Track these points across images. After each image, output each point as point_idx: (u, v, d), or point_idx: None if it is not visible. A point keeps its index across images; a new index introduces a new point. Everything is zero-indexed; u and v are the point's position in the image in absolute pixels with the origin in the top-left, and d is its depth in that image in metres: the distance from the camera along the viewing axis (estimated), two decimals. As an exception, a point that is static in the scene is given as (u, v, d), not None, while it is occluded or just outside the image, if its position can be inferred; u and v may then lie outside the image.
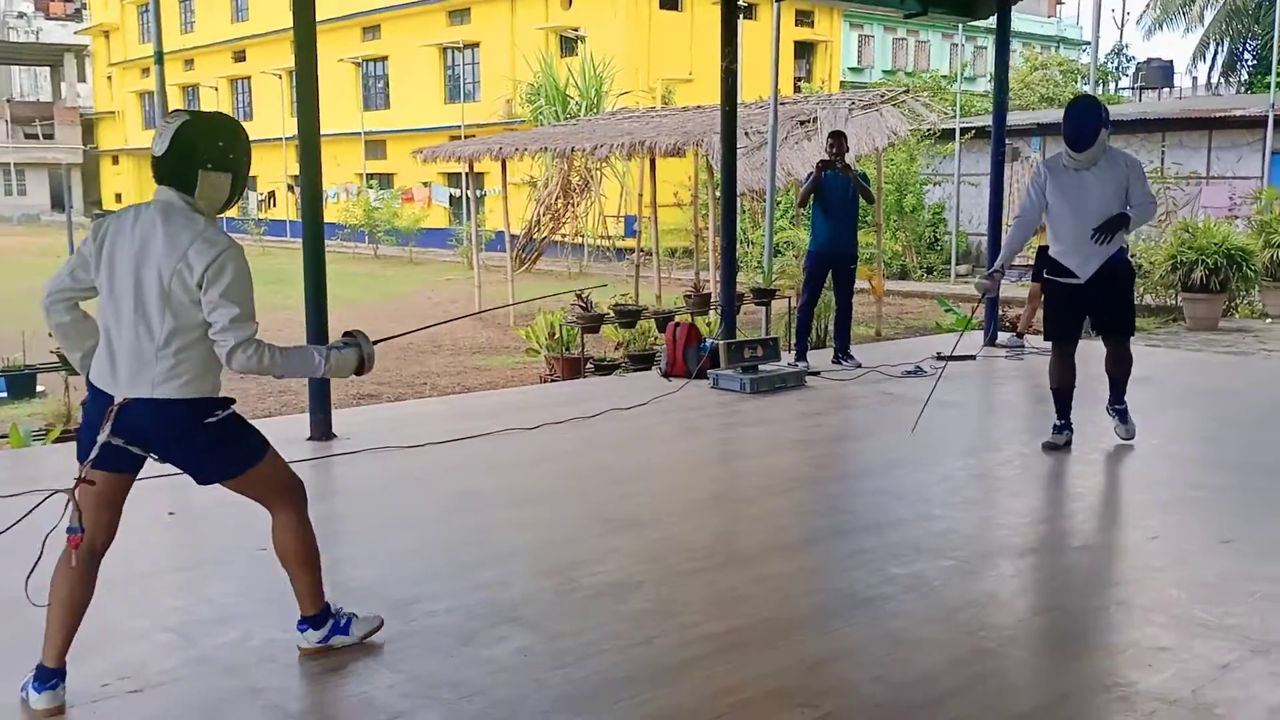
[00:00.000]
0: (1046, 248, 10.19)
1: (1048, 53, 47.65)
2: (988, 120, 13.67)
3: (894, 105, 14.88)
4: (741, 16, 20.83)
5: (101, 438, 3.08)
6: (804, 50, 38.52)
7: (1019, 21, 49.27)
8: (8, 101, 56.24)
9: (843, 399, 8.16)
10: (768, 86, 13.45)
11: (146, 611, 4.00)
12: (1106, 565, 4.44)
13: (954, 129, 22.68)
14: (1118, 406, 6.49)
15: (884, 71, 45.25)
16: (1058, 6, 57.88)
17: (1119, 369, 6.37)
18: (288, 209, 41.29)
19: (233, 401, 3.28)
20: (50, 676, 3.18)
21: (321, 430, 6.65)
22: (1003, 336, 10.65)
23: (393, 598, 4.09)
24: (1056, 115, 27.27)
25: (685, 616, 3.94)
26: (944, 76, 40.60)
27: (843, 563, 4.62)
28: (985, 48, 46.06)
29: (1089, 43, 49.92)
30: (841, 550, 4.77)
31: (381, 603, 4.03)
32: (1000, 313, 11.95)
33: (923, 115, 15.70)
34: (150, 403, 3.09)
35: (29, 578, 3.20)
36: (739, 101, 9.60)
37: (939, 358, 9.57)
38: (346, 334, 3.44)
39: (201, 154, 3.14)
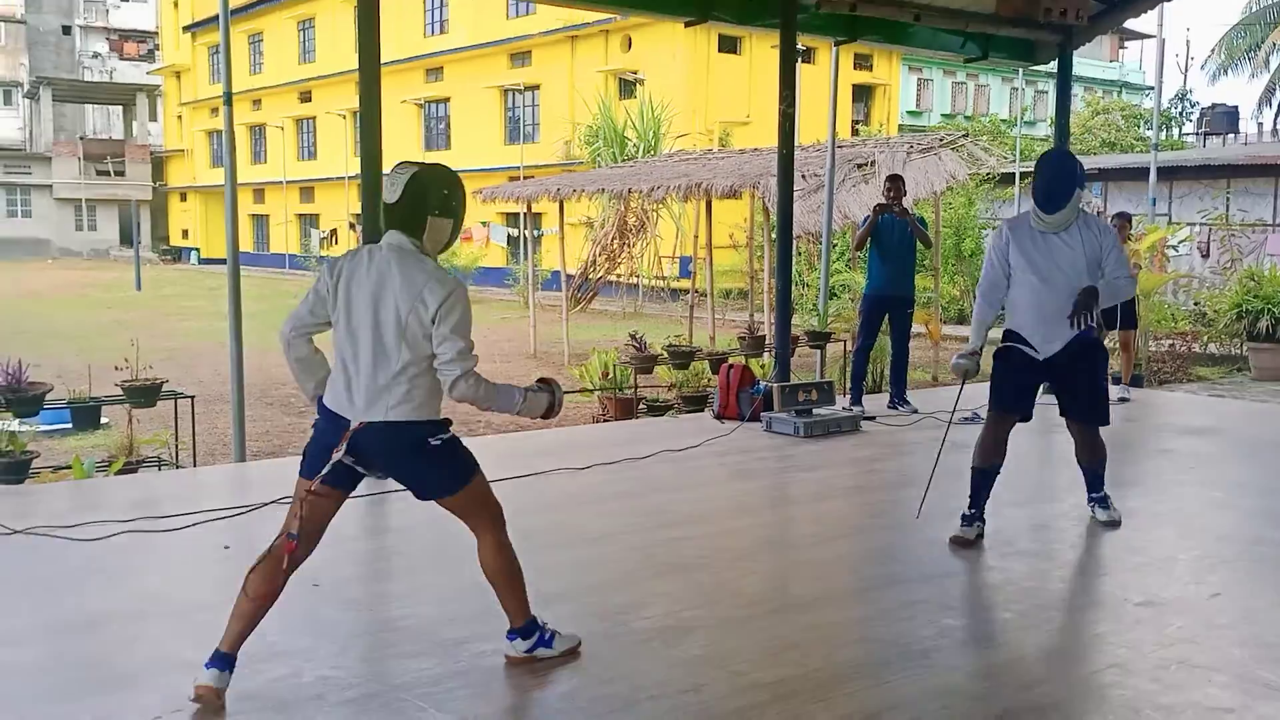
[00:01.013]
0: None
1: (1110, 97, 47.33)
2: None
3: (952, 149, 14.82)
4: (800, 60, 20.89)
5: (337, 456, 3.40)
6: (862, 94, 38.56)
7: (1080, 66, 49.02)
8: (80, 139, 57.86)
9: (898, 445, 8.08)
10: (825, 129, 13.47)
11: (201, 644, 4.02)
12: (1167, 622, 4.33)
13: (1013, 173, 22.52)
14: (1095, 494, 5.85)
15: (943, 115, 45.19)
16: (1120, 51, 57.48)
17: (1093, 459, 5.73)
18: (349, 246, 41.98)
19: (450, 423, 3.59)
20: (222, 661, 3.46)
21: (376, 467, 6.70)
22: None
23: (443, 637, 4.10)
24: (1118, 161, 27.05)
25: (735, 664, 3.90)
26: (1003, 120, 40.46)
27: (895, 613, 4.56)
28: (1045, 92, 45.84)
29: (1152, 88, 49.58)
30: (894, 600, 4.71)
31: (431, 641, 4.06)
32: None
33: (981, 159, 15.62)
34: (386, 425, 3.42)
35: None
36: (796, 144, 9.61)
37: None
38: (541, 380, 3.76)
39: (430, 201, 3.48)
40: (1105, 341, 6.21)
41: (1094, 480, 5.82)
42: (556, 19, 33.34)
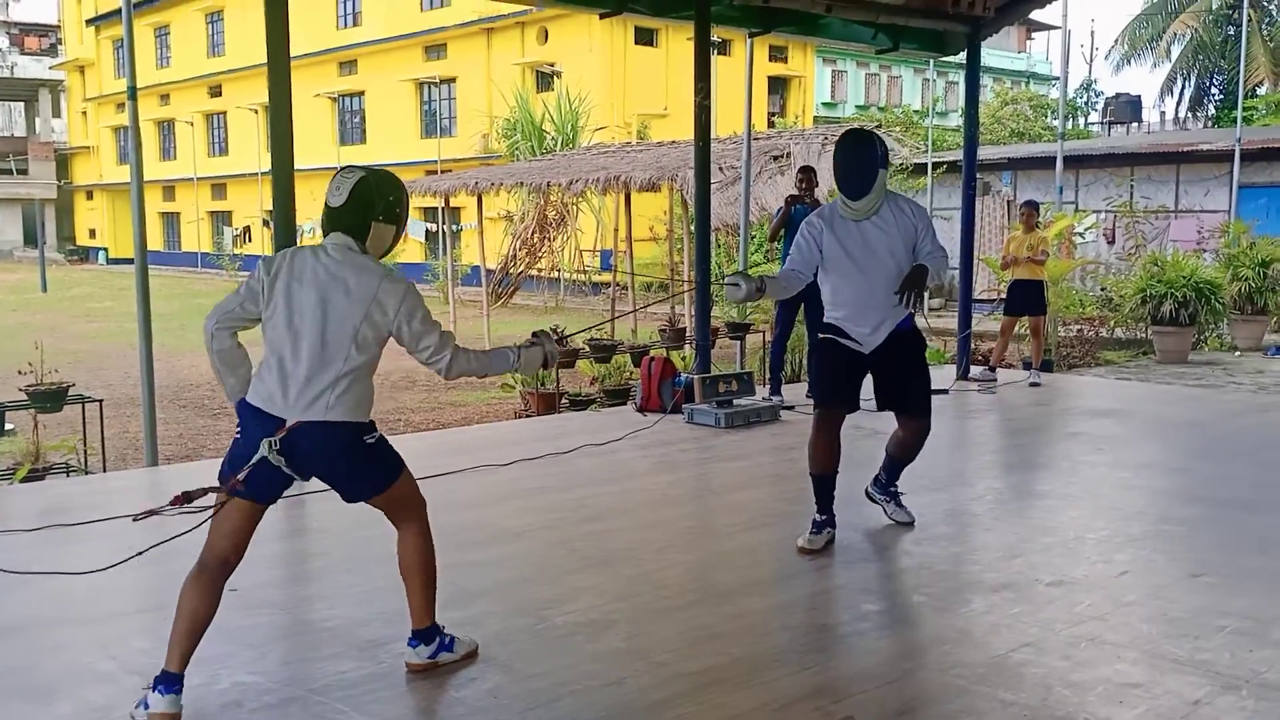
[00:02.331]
0: (1019, 281, 10.46)
1: (1018, 88, 48.33)
2: (959, 155, 13.81)
3: (866, 140, 14.98)
4: (715, 52, 20.96)
5: (265, 451, 3.33)
6: (777, 85, 38.88)
7: (989, 57, 49.97)
8: (-9, 137, 56.02)
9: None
10: (742, 122, 13.55)
11: (115, 654, 3.95)
12: (1077, 600, 4.44)
13: (926, 164, 22.90)
14: (891, 488, 5.59)
15: (857, 107, 45.78)
16: (1028, 42, 58.69)
17: (906, 450, 5.44)
18: (263, 244, 41.19)
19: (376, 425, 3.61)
20: (173, 682, 3.36)
21: (293, 468, 6.60)
22: (975, 370, 10.71)
23: (363, 638, 4.05)
24: (1027, 150, 27.65)
25: (658, 655, 3.92)
26: (916, 111, 41.07)
27: (815, 599, 4.63)
28: (956, 83, 46.66)
29: (1059, 78, 50.76)
30: (815, 586, 4.78)
31: (352, 643, 4.01)
32: (972, 346, 12.04)
33: (893, 150, 15.84)
34: (324, 424, 3.39)
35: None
36: (714, 136, 9.65)
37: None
38: (534, 334, 3.85)
39: (376, 207, 3.49)
40: (944, 325, 6.15)
41: (893, 473, 5.57)
42: (472, 11, 33.06)
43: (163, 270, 45.80)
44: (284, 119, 6.62)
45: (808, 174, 9.27)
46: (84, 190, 56.34)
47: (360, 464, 3.53)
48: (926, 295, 5.25)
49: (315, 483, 6.50)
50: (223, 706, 3.51)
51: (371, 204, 3.48)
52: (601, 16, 9.43)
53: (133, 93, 7.36)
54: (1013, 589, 4.65)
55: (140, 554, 3.80)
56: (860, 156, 4.96)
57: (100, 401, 8.25)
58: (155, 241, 51.25)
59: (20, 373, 7.79)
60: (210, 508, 3.44)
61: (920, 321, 5.31)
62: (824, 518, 5.25)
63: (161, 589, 4.82)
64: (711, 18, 9.02)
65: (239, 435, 3.44)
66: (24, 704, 3.54)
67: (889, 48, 11.27)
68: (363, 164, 3.68)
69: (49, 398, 7.46)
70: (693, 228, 11.29)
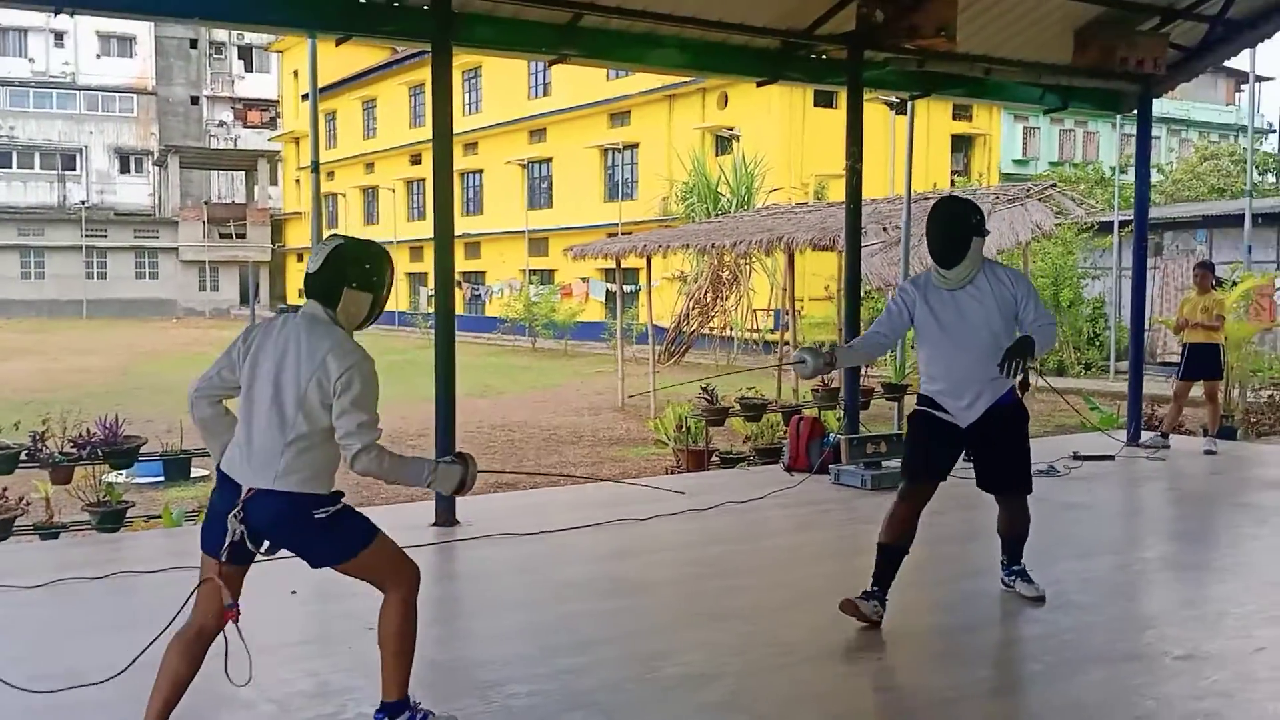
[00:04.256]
0: (1194, 345, 10.03)
1: (1227, 141, 46.04)
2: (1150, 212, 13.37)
3: (1041, 199, 14.69)
4: (894, 112, 20.91)
5: (233, 527, 3.36)
6: (961, 143, 38.27)
7: (1196, 111, 47.94)
8: (205, 203, 60.58)
9: (967, 497, 7.93)
10: (923, 180, 13.51)
11: (257, 683, 4.27)
12: (1205, 676, 4.28)
13: (1113, 222, 22.12)
14: (1015, 568, 5.38)
15: (1050, 163, 44.49)
16: (1236, 94, 55.92)
17: (1015, 528, 5.28)
18: (458, 304, 42.99)
19: (341, 495, 3.53)
20: None
21: (445, 516, 6.97)
22: (1146, 436, 10.29)
23: (479, 679, 4.28)
24: (1225, 207, 26.30)
25: (758, 710, 4.00)
26: (1112, 168, 39.65)
27: (929, 663, 4.61)
28: (1158, 138, 44.85)
29: (1271, 130, 48.01)
30: (931, 650, 4.76)
31: (468, 682, 4.24)
32: (1149, 411, 11.57)
33: (1070, 209, 15.45)
34: (270, 494, 3.37)
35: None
36: (889, 195, 9.63)
37: (1075, 457, 9.36)
38: (456, 454, 3.66)
39: (349, 274, 3.46)
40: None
41: (1013, 552, 5.37)
42: (655, 79, 33.95)
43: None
44: (446, 188, 7.10)
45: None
46: (295, 253, 60.12)
47: (313, 535, 3.45)
48: (1036, 365, 5.09)
49: (466, 529, 6.87)
50: (343, 734, 3.78)
51: (344, 271, 3.45)
52: (759, 84, 9.64)
53: (315, 166, 8.01)
54: (1138, 660, 4.51)
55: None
56: (952, 224, 4.86)
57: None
58: (357, 301, 54.07)
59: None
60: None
61: (1038, 380, 5.19)
62: (876, 589, 4.96)
63: (307, 625, 5.21)
64: (868, 82, 9.11)
65: (210, 501, 3.53)
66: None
67: (1058, 108, 11.14)
68: (350, 235, 3.71)
69: (232, 446, 8.07)
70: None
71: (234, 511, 3.36)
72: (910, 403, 12.23)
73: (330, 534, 3.46)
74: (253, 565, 3.57)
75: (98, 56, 61.34)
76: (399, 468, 3.49)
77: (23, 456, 7.31)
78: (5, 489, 7.43)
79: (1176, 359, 11.96)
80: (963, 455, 5.06)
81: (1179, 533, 7.30)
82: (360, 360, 3.38)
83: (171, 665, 3.47)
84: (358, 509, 3.60)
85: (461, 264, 38.10)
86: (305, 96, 55.20)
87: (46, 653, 4.65)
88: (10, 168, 59.83)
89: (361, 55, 47.80)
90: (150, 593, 5.52)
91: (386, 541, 3.59)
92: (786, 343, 17.84)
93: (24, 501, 7.56)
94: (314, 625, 5.18)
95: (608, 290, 33.62)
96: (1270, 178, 36.56)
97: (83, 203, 58.21)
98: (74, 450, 7.44)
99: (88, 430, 7.53)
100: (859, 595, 4.94)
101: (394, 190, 50.01)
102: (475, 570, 6.09)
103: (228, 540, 3.37)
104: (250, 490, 3.36)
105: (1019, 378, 4.80)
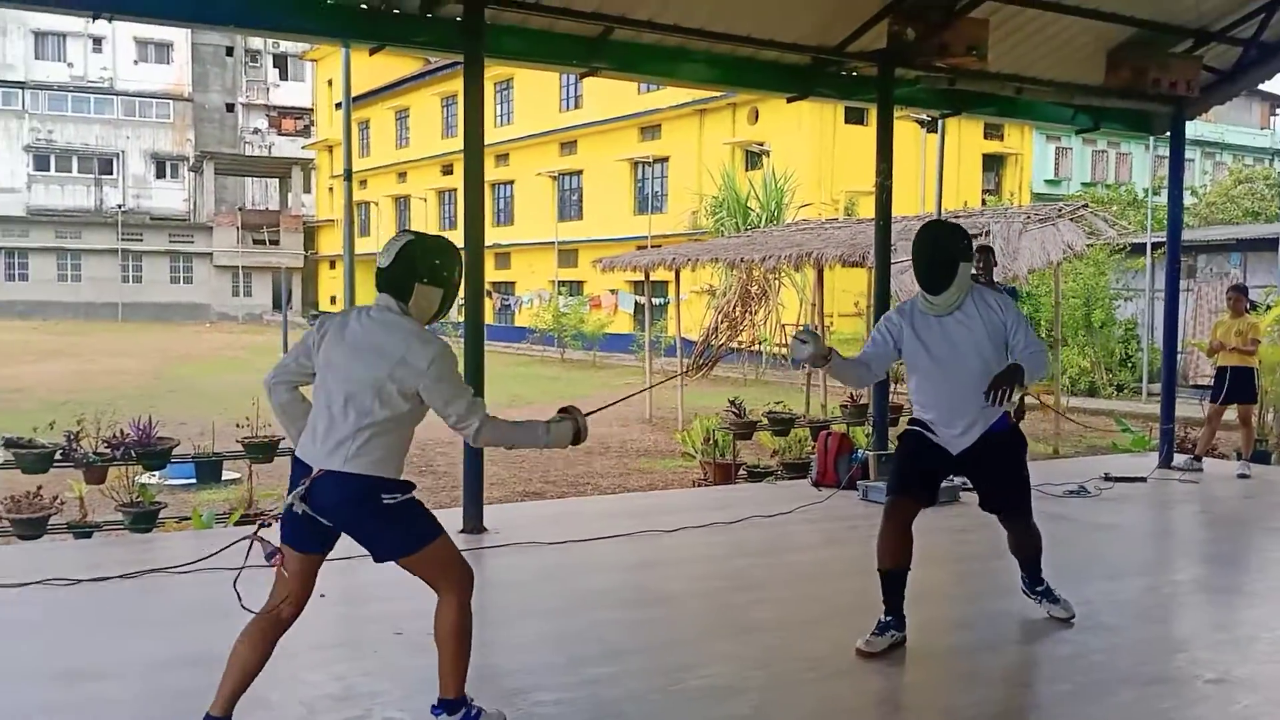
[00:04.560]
0: (1227, 369, 9.94)
1: (1262, 164, 45.64)
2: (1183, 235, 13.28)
3: (1072, 220, 14.62)
4: (926, 130, 20.84)
5: (290, 499, 3.46)
6: (993, 163, 38.13)
7: (1230, 134, 47.54)
8: (240, 210, 61.14)
9: (993, 516, 7.99)
10: (954, 198, 13.48)
11: (284, 686, 4.33)
12: (1236, 700, 4.24)
13: (1146, 244, 21.98)
14: (1038, 589, 5.28)
15: (1083, 184, 44.23)
16: (1271, 118, 55.45)
17: (1025, 550, 5.21)
18: (487, 313, 43.17)
19: (413, 486, 3.62)
20: None
21: (473, 524, 7.01)
22: (1179, 459, 10.21)
23: (506, 687, 4.30)
24: (1259, 230, 26.10)
25: (781, 723, 4.00)
26: (1145, 189, 39.39)
27: (953, 682, 4.59)
28: (1193, 160, 44.51)
29: (1308, 153, 47.54)
30: (957, 669, 4.73)
31: (495, 690, 4.25)
32: (1181, 434, 11.48)
33: (1101, 230, 15.36)
34: (339, 475, 3.45)
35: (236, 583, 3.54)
36: (918, 214, 9.61)
37: (1106, 478, 9.29)
38: (562, 409, 3.80)
39: (420, 269, 3.58)
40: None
41: (1031, 572, 5.27)
42: (686, 93, 34.03)
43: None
44: (477, 198, 7.14)
45: (984, 254, 9.14)
46: (327, 260, 60.54)
47: (377, 521, 3.52)
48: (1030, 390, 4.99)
49: (493, 537, 6.90)
50: (369, 737, 3.81)
51: (414, 267, 3.56)
52: (789, 100, 9.66)
53: (348, 174, 8.12)
54: (1167, 683, 4.48)
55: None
56: (939, 249, 4.74)
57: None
58: (387, 309, 54.40)
59: (238, 425, 8.55)
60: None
61: (1034, 401, 5.14)
62: (889, 619, 4.81)
63: (335, 629, 5.24)
64: (899, 100, 9.12)
65: (290, 484, 3.58)
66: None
67: (1090, 128, 11.09)
68: (420, 230, 3.79)
69: (261, 449, 8.16)
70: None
71: (299, 490, 3.44)
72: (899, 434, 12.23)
73: (398, 524, 3.54)
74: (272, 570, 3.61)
75: (135, 62, 62.04)
76: (516, 432, 3.69)
77: (58, 456, 7.41)
78: (40, 487, 7.54)
79: (1209, 382, 11.87)
80: (962, 481, 4.96)
81: (1211, 556, 7.24)
82: (443, 348, 3.52)
83: (241, 653, 3.56)
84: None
85: (491, 274, 38.30)
86: (339, 105, 55.75)
87: (75, 650, 4.71)
88: (49, 171, 60.58)
89: (395, 65, 48.18)
90: (180, 592, 5.58)
91: (449, 541, 3.67)
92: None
93: (58, 500, 7.66)
94: (342, 629, 5.21)
95: (636, 303, 33.66)
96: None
97: (119, 207, 58.88)
98: (108, 451, 7.54)
99: (121, 431, 7.62)
100: (871, 632, 4.78)
101: (426, 200, 50.34)
102: (502, 578, 6.12)
103: (284, 513, 3.47)
104: (320, 471, 3.45)
105: (1010, 406, 4.71)
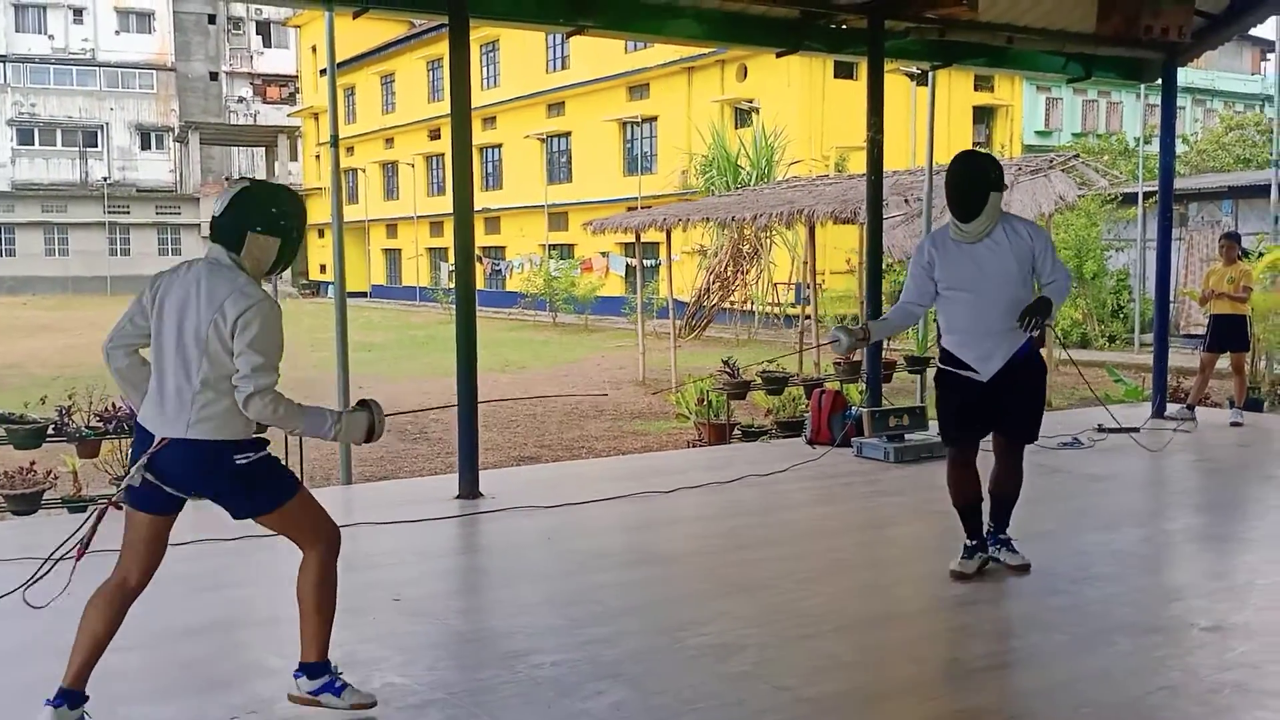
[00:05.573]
0: (1220, 316, 9.93)
1: (1252, 111, 45.46)
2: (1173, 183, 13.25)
3: (1063, 170, 14.56)
4: (916, 84, 20.73)
5: (133, 470, 3.32)
6: (983, 115, 37.94)
7: (1220, 81, 47.29)
8: (226, 179, 60.74)
9: (991, 469, 8.01)
10: (944, 152, 13.39)
11: (285, 653, 4.32)
12: (1230, 647, 4.27)
13: (1137, 193, 21.93)
14: (1000, 536, 5.33)
15: (1073, 134, 44.05)
16: (1263, 64, 55.18)
17: (1005, 487, 5.27)
18: (478, 279, 43.03)
19: (266, 443, 3.48)
20: (59, 697, 3.36)
21: (469, 489, 7.00)
22: (1171, 408, 10.23)
23: (505, 649, 4.31)
24: (1251, 177, 26.03)
25: (782, 680, 4.01)
26: (1136, 138, 39.26)
27: (954, 634, 4.60)
28: (1183, 108, 44.31)
29: (1298, 99, 47.37)
30: (956, 622, 4.75)
31: (494, 652, 4.27)
32: (1174, 383, 11.50)
33: (1093, 180, 15.31)
34: (183, 442, 3.31)
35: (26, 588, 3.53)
36: (910, 167, 9.55)
37: (1099, 429, 9.30)
38: (360, 401, 3.60)
39: (254, 217, 3.37)
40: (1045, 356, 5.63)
41: (1001, 516, 5.34)
42: (674, 51, 33.76)
43: (384, 303, 48.55)
44: (465, 163, 7.07)
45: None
46: (316, 228, 60.23)
47: (231, 482, 3.38)
48: (1050, 323, 5.19)
49: (489, 502, 6.90)
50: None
51: (248, 214, 3.35)
52: (778, 55, 9.58)
53: (334, 141, 8.04)
54: (1164, 632, 4.50)
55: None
56: (971, 178, 4.90)
57: (304, 424, 8.89)
58: (378, 276, 54.37)
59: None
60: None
61: (1056, 339, 5.23)
62: (974, 543, 5.24)
63: (340, 595, 5.23)
64: (889, 52, 9.04)
65: (132, 452, 3.45)
66: (200, 695, 3.93)
67: (1081, 77, 11.01)
68: (259, 178, 3.63)
69: (257, 420, 8.10)
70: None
71: (140, 461, 3.31)
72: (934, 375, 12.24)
73: (252, 483, 3.41)
74: (274, 537, 3.59)
75: (116, 33, 61.42)
76: (296, 416, 3.40)
77: (50, 431, 7.37)
78: (34, 463, 7.50)
79: (1202, 331, 11.89)
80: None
81: (1205, 504, 7.27)
82: (261, 301, 3.30)
83: (90, 623, 3.40)
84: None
85: (481, 239, 38.06)
86: (324, 71, 55.26)
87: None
88: (33, 145, 60.12)
89: (379, 30, 47.72)
90: (174, 565, 5.55)
91: (309, 497, 3.56)
92: (808, 317, 17.79)
93: (52, 475, 7.64)
94: (341, 596, 5.15)
95: (627, 265, 33.60)
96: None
97: (105, 179, 58.49)
98: (100, 424, 7.50)
99: (113, 405, 7.58)
100: (961, 555, 5.21)
101: (413, 165, 50.02)
102: (499, 542, 6.12)
103: (124, 483, 3.34)
104: (162, 440, 3.31)
105: (1037, 333, 4.89)
